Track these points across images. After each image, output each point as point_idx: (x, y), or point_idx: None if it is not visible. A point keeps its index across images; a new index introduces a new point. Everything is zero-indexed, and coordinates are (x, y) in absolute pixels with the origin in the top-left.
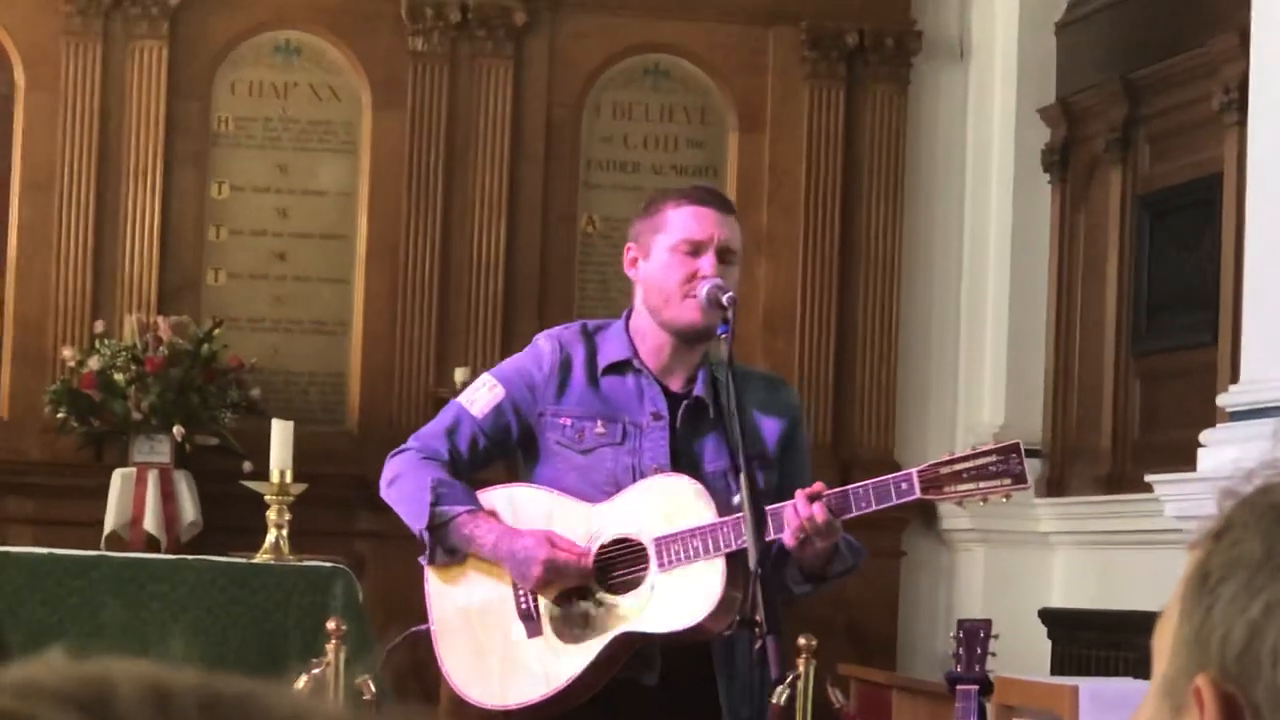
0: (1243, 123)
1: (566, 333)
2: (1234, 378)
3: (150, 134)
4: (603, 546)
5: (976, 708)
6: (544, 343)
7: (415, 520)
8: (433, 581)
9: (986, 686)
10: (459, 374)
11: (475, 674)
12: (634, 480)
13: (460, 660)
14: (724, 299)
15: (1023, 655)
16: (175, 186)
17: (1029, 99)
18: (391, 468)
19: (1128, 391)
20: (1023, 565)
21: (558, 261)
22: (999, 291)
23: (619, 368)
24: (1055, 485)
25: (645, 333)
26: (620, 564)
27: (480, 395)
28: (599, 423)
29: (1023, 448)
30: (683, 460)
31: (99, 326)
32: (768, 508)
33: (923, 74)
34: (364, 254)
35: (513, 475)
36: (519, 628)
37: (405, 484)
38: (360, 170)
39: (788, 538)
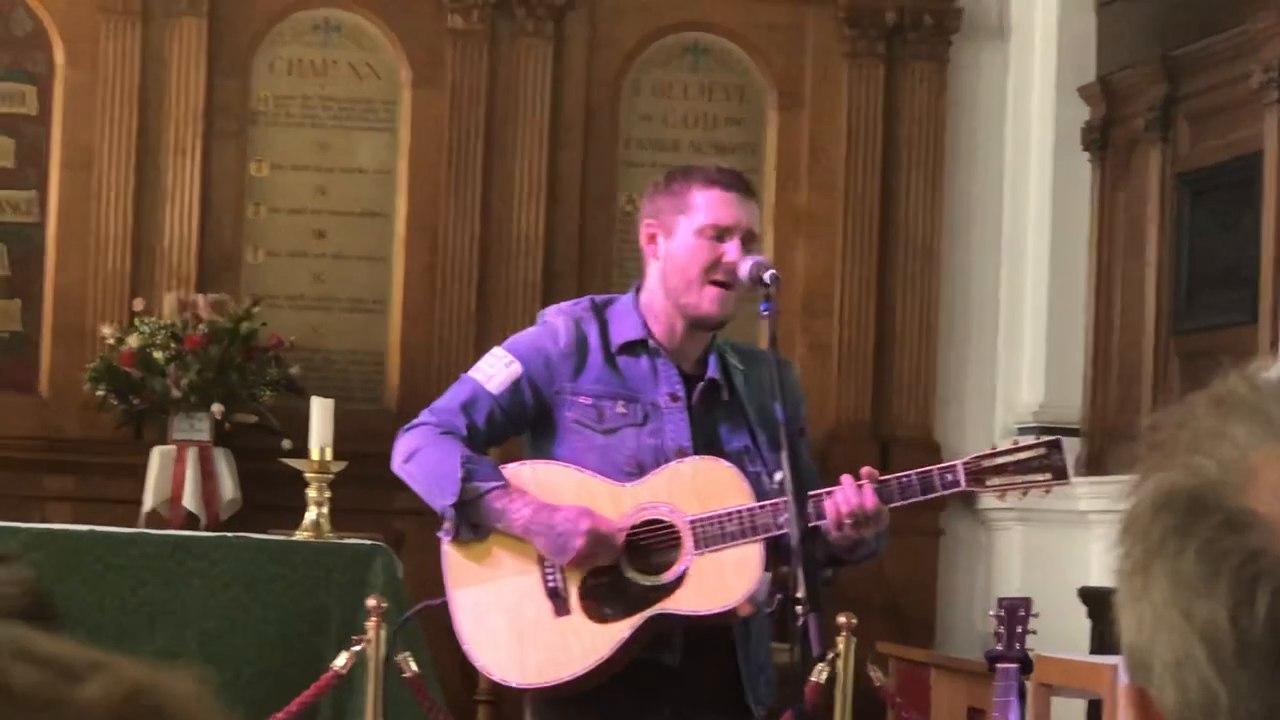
0: None
1: (577, 309)
2: (1274, 356)
3: (189, 112)
4: (634, 528)
5: (1016, 686)
6: (556, 319)
7: (439, 496)
8: (452, 558)
9: (1026, 665)
10: None
11: (500, 652)
12: (657, 462)
13: (483, 638)
14: (766, 276)
15: (1062, 634)
16: (214, 165)
17: (1069, 77)
18: (407, 442)
19: (1167, 370)
20: (1061, 544)
21: (596, 240)
22: (1038, 270)
23: (633, 347)
24: (1094, 464)
25: (658, 312)
26: (651, 545)
27: (497, 371)
28: (619, 403)
29: (1064, 444)
30: (701, 442)
31: (138, 304)
32: (810, 493)
33: (962, 52)
34: (403, 232)
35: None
36: (546, 606)
37: (426, 459)
38: (399, 148)
39: (830, 522)
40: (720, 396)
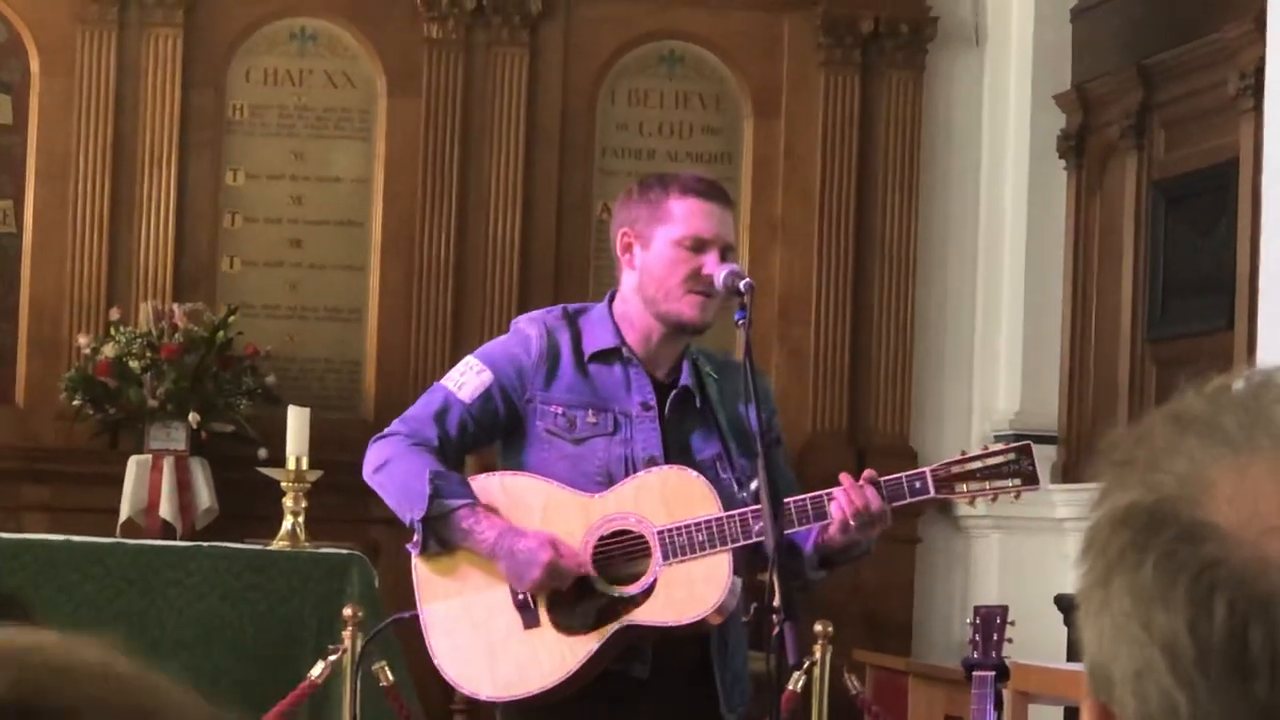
0: (1258, 108)
1: (550, 317)
2: (1250, 363)
3: (165, 121)
4: (602, 539)
5: (993, 694)
6: (528, 327)
7: (408, 509)
8: (421, 570)
9: (1003, 673)
10: None
11: (470, 665)
12: (626, 471)
13: (453, 651)
14: (741, 285)
15: (1038, 642)
16: (190, 174)
17: (1044, 85)
18: (378, 452)
19: (1143, 377)
20: (1038, 552)
21: (573, 249)
22: (1014, 277)
23: (606, 355)
24: (1071, 471)
25: (633, 320)
26: (620, 556)
27: (468, 379)
28: (590, 412)
29: (1033, 449)
30: (673, 450)
31: (114, 314)
32: (808, 495)
33: (938, 60)
34: (379, 241)
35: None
36: (515, 619)
37: (396, 470)
38: (375, 157)
39: (836, 525)
40: (693, 404)
